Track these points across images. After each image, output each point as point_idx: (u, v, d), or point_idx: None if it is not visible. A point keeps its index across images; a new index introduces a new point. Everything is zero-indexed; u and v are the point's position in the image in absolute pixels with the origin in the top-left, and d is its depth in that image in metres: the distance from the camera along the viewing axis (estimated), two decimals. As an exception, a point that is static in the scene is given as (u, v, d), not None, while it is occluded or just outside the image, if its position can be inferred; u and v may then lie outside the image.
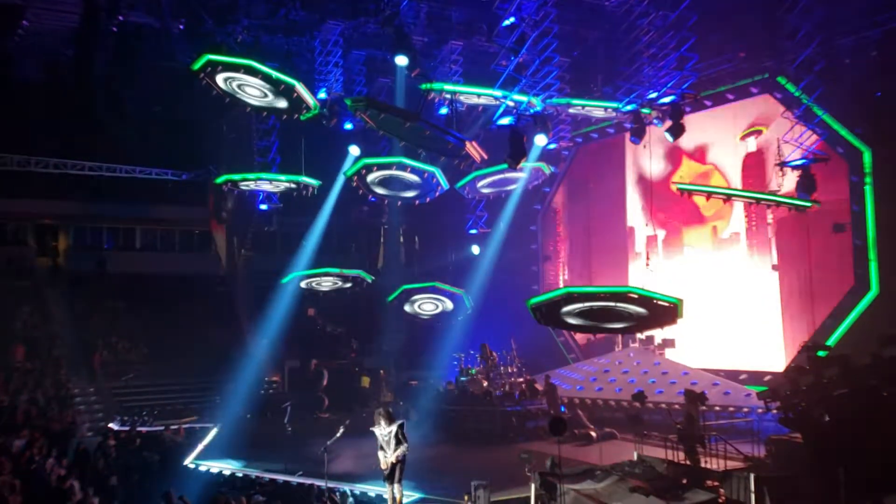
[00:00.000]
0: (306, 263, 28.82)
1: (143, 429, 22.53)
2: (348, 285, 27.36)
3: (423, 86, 20.61)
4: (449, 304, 27.03)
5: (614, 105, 22.14)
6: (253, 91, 18.74)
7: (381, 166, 22.35)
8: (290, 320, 28.64)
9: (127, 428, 22.30)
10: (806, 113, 20.17)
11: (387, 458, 13.78)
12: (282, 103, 19.17)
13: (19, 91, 26.48)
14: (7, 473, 14.37)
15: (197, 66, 17.51)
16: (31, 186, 29.39)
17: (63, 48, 23.68)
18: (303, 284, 27.01)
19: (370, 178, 22.75)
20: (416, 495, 15.32)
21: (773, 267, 22.96)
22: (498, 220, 29.15)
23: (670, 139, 21.41)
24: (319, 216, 29.57)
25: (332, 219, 30.31)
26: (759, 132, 23.37)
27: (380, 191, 23.82)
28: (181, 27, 21.37)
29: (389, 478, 13.81)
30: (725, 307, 24.09)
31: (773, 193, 20.50)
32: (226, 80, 18.17)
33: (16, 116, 26.71)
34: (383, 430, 13.91)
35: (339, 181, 26.37)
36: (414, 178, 22.56)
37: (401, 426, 14.02)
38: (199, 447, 21.35)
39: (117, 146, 29.22)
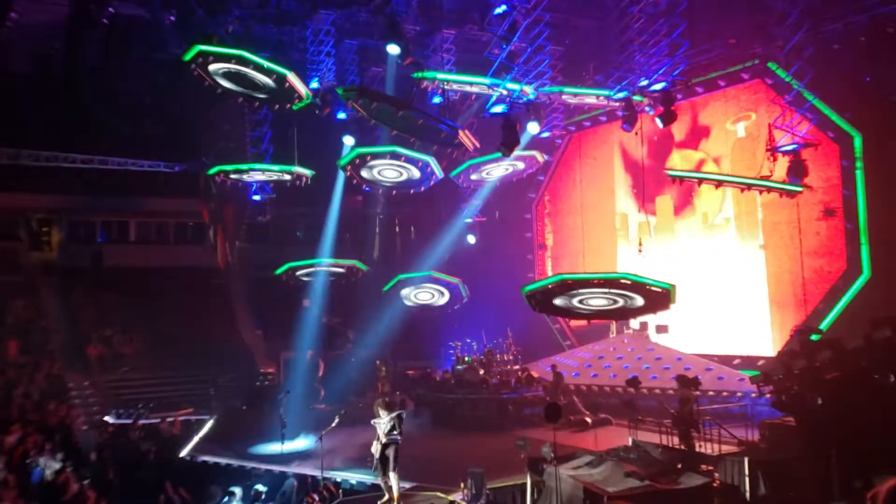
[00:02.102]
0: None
1: (140, 421, 22.60)
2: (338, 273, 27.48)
3: (416, 74, 20.59)
4: (445, 293, 27.08)
5: (606, 93, 22.11)
6: (245, 81, 18.70)
7: (375, 156, 22.34)
8: (286, 311, 28.74)
9: (123, 421, 22.36)
10: (796, 98, 20.17)
11: (379, 442, 13.88)
12: (274, 93, 19.14)
13: (9, 83, 26.38)
14: (1, 468, 14.40)
15: (188, 56, 17.44)
16: (22, 180, 29.32)
17: (53, 40, 23.56)
18: (298, 274, 27.01)
19: (363, 167, 22.74)
20: (412, 483, 15.40)
21: (761, 246, 23.07)
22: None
23: (661, 126, 21.43)
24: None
25: (326, 209, 30.33)
26: (748, 117, 23.43)
27: (372, 179, 23.79)
28: (172, 18, 21.26)
29: (383, 467, 13.85)
30: (718, 293, 24.17)
31: (765, 179, 20.56)
32: (217, 70, 18.12)
33: (6, 109, 26.59)
34: (381, 420, 14.00)
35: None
36: (408, 166, 22.55)
37: (398, 416, 14.10)
38: (195, 439, 21.41)
39: (109, 138, 29.14)
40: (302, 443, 19.90)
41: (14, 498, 13.46)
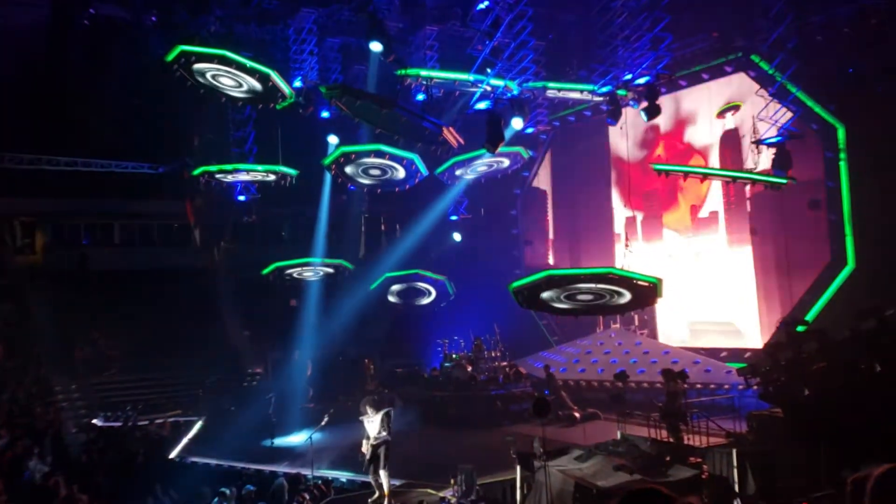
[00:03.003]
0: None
1: (129, 423, 22.50)
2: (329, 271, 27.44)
3: (399, 72, 20.55)
4: (432, 291, 27.09)
5: (590, 87, 22.16)
6: (228, 81, 18.62)
7: (359, 154, 22.28)
8: (273, 311, 28.68)
9: (111, 424, 22.26)
10: (780, 90, 20.27)
11: (369, 443, 13.91)
12: (257, 93, 19.07)
13: (-10, 87, 26.18)
14: (-10, 472, 14.31)
15: (170, 57, 17.35)
16: (5, 183, 29.06)
17: (35, 42, 23.39)
18: (284, 275, 26.95)
19: (348, 166, 22.70)
20: (403, 480, 15.42)
21: (752, 230, 23.09)
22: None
23: (645, 119, 21.48)
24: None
25: (311, 208, 30.28)
26: (736, 108, 23.50)
27: (357, 178, 23.75)
28: (153, 19, 21.16)
29: (373, 466, 13.88)
30: (704, 285, 24.27)
31: (750, 171, 20.65)
32: (200, 71, 18.03)
33: (-13, 112, 26.39)
34: (370, 419, 14.02)
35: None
36: (393, 164, 22.51)
37: (386, 414, 14.12)
38: (184, 441, 21.34)
39: (92, 141, 28.92)
40: (292, 442, 19.88)
41: (4, 502, 13.37)
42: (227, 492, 13.77)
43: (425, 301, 27.56)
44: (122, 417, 22.98)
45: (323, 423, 16.10)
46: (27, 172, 28.51)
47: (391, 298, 27.79)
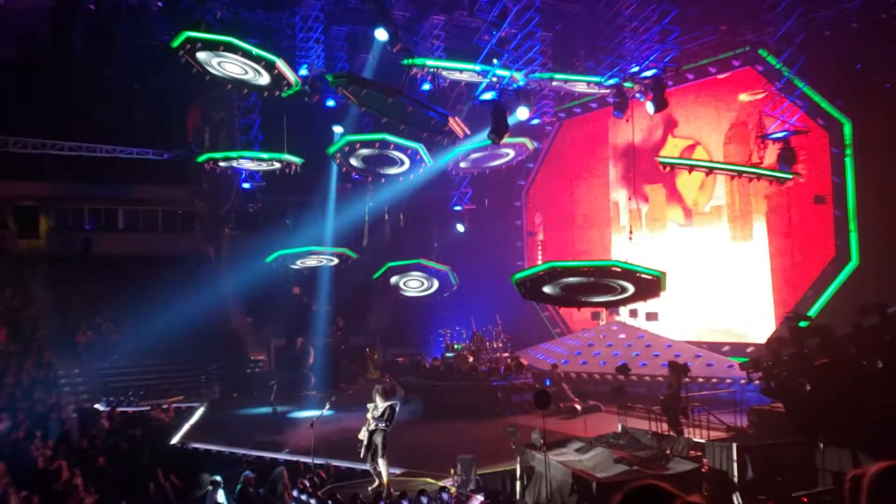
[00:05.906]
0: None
1: (130, 409, 22.56)
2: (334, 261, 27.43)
3: (405, 61, 20.47)
4: (435, 281, 27.06)
5: (597, 79, 22.03)
6: (233, 68, 18.57)
7: (364, 143, 22.23)
8: (275, 298, 28.72)
9: (110, 408, 22.32)
10: (787, 85, 20.18)
11: (366, 428, 13.96)
12: (263, 80, 19.02)
13: (-5, 70, 26.18)
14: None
15: (176, 43, 17.28)
16: (9, 167, 29.10)
17: (39, 26, 23.35)
18: (287, 263, 26.94)
19: (353, 155, 22.66)
20: (403, 469, 15.46)
21: (750, 234, 23.07)
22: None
23: (652, 112, 21.39)
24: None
25: (315, 197, 30.24)
26: (739, 104, 23.40)
27: (362, 167, 23.71)
28: (159, 4, 21.09)
29: (371, 454, 13.90)
30: (708, 280, 24.23)
31: (755, 166, 20.58)
32: (206, 57, 17.98)
33: (-8, 96, 26.42)
34: (375, 406, 14.07)
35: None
36: (397, 154, 22.47)
37: (391, 407, 14.14)
38: (186, 426, 21.40)
39: (97, 126, 28.95)
40: (292, 431, 19.90)
41: (6, 485, 13.41)
42: (219, 478, 13.81)
43: (430, 290, 27.51)
44: (125, 403, 23.06)
45: (325, 411, 16.12)
46: (31, 157, 28.53)
47: (393, 287, 27.73)
